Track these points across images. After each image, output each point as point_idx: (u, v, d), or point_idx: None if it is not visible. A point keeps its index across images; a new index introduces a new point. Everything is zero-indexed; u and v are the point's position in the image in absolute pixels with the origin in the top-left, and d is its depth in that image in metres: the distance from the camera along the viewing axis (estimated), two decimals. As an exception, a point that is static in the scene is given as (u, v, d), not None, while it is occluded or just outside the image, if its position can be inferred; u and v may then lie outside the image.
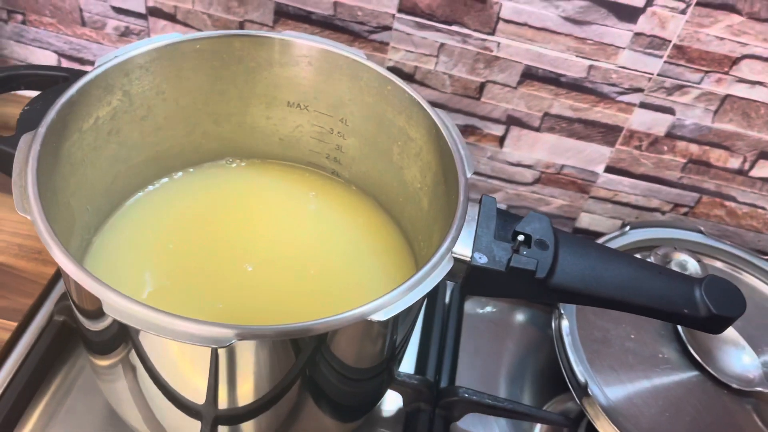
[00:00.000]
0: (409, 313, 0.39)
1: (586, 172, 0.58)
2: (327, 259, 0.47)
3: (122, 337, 0.36)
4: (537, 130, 0.56)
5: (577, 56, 0.50)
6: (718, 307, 0.35)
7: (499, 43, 0.51)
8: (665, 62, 0.49)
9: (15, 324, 0.47)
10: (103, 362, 0.40)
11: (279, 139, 0.50)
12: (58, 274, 0.51)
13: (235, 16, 0.54)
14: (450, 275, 0.35)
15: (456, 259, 0.35)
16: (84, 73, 0.39)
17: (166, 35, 0.41)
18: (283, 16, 0.53)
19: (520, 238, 0.36)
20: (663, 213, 0.59)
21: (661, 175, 0.57)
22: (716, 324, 0.36)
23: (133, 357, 0.36)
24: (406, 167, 0.46)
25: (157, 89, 0.43)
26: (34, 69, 0.39)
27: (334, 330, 0.31)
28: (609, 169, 0.57)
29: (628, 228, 0.55)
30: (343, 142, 0.49)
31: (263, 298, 0.43)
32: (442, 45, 0.52)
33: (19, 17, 0.58)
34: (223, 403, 0.37)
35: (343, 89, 0.46)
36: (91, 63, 0.60)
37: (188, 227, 0.46)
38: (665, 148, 0.55)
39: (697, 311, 0.36)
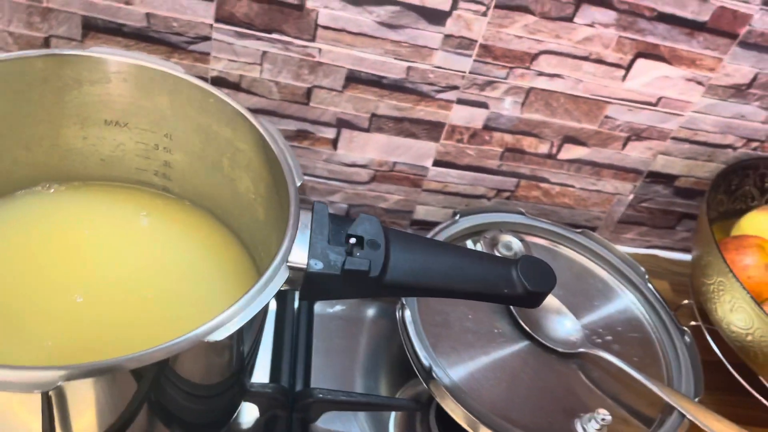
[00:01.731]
0: (251, 326, 0.39)
1: (417, 167, 0.61)
2: (165, 281, 0.45)
3: None
4: (367, 130, 0.58)
5: (395, 59, 0.53)
6: (532, 284, 0.39)
7: (320, 49, 0.52)
8: (474, 61, 0.53)
9: None
10: None
11: (100, 159, 0.48)
12: None
13: (38, 32, 0.50)
14: (289, 283, 0.35)
15: (292, 268, 0.36)
16: None
17: (-46, 58, 0.38)
18: (92, 29, 0.50)
19: (352, 240, 0.37)
20: (489, 199, 0.64)
21: (483, 164, 0.61)
22: (533, 299, 0.40)
23: None
24: (237, 179, 0.46)
25: (-51, 117, 0.39)
26: None
27: (173, 355, 0.31)
28: (437, 163, 0.61)
29: (458, 216, 0.59)
30: (171, 158, 0.48)
31: (97, 329, 0.41)
32: (264, 53, 0.52)
33: None
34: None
35: (164, 104, 0.44)
36: None
37: (7, 261, 0.43)
38: (485, 138, 0.59)
39: (515, 290, 0.39)
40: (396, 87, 0.55)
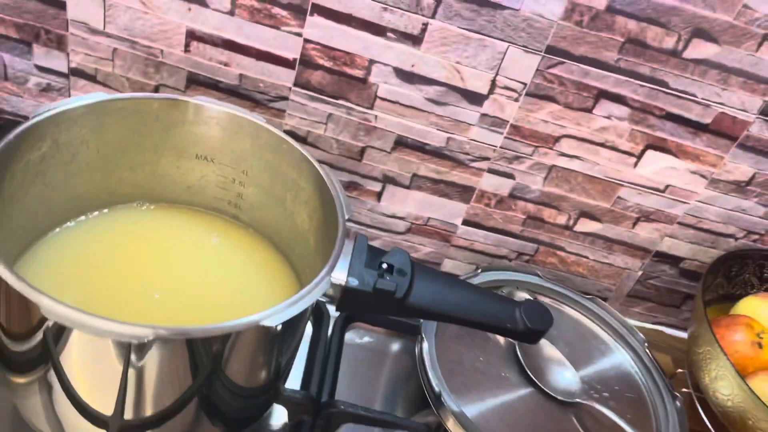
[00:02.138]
0: (295, 331, 0.47)
1: (447, 224, 0.69)
2: (226, 290, 0.54)
3: (43, 356, 0.41)
4: (407, 188, 0.67)
5: (437, 129, 0.63)
6: (532, 322, 0.47)
7: (376, 116, 0.62)
8: (505, 137, 0.63)
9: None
10: (21, 380, 0.45)
11: (187, 186, 0.58)
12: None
13: (150, 81, 0.62)
14: (330, 296, 0.44)
15: (333, 284, 0.44)
16: (20, 123, 0.45)
17: (94, 94, 0.49)
18: (194, 83, 0.62)
19: (384, 266, 0.46)
20: (510, 260, 0.72)
21: (507, 228, 0.69)
22: (532, 335, 0.47)
23: (51, 376, 0.42)
24: (296, 212, 0.55)
25: (81, 139, 0.50)
26: (-26, 116, 0.46)
27: (228, 334, 0.39)
28: (466, 222, 0.69)
29: (479, 270, 0.67)
30: (244, 191, 0.57)
31: (168, 322, 0.50)
32: (330, 115, 0.63)
33: (-58, 68, 0.63)
34: (127, 413, 0.43)
35: (245, 146, 0.55)
36: (9, 114, 0.65)
37: (101, 261, 0.53)
38: (510, 205, 0.67)
39: (517, 326, 0.47)
40: (436, 153, 0.64)
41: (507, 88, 0.59)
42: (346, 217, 0.48)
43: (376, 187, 0.67)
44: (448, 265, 0.73)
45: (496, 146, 0.63)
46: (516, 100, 0.60)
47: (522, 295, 0.65)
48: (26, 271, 0.49)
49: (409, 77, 0.60)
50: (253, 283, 0.56)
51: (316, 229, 0.53)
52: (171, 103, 0.52)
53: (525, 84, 0.59)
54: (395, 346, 0.68)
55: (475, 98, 0.60)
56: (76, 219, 0.54)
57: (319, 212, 0.52)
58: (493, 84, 0.59)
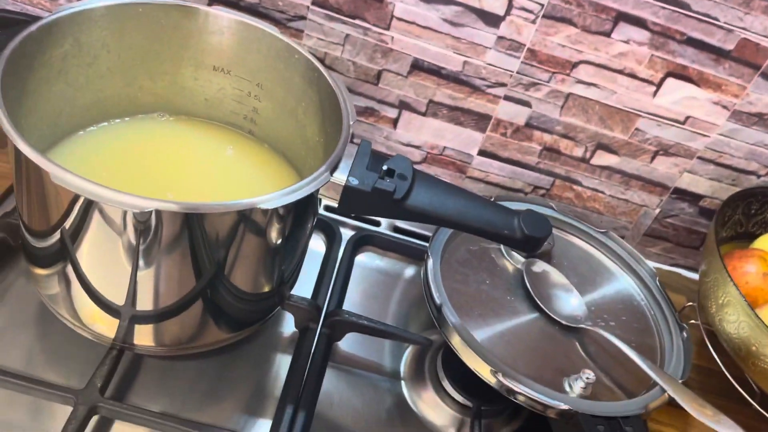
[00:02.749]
0: (297, 231, 0.49)
1: (463, 155, 0.70)
2: (236, 196, 0.56)
3: (62, 253, 0.44)
4: (423, 114, 0.67)
5: (454, 53, 0.63)
6: (530, 230, 0.47)
7: (393, 37, 0.63)
8: (522, 62, 0.62)
9: (-44, 237, 0.54)
10: (43, 272, 0.48)
11: (204, 99, 0.60)
12: (4, 199, 0.58)
13: (174, -3, 0.63)
14: (331, 196, 0.45)
15: (335, 183, 0.45)
16: (40, 18, 0.47)
17: (115, -3, 0.51)
18: (217, 2, 0.63)
19: (385, 168, 0.46)
20: (525, 194, 0.72)
21: (523, 159, 0.69)
22: (530, 243, 0.48)
23: (68, 269, 0.45)
24: (308, 125, 0.56)
25: (102, 42, 0.52)
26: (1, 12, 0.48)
27: (229, 214, 0.41)
28: (481, 153, 0.69)
29: (492, 198, 0.67)
30: (259, 105, 0.59)
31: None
32: (347, 35, 0.63)
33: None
34: (138, 304, 0.46)
35: (259, 57, 0.56)
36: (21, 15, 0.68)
37: (121, 164, 0.55)
38: (523, 136, 0.67)
39: (514, 233, 0.47)
40: (452, 78, 0.64)
41: (524, 9, 0.59)
42: (351, 121, 0.49)
43: (393, 113, 0.68)
44: (463, 197, 0.73)
45: (512, 71, 0.63)
46: (533, 21, 0.60)
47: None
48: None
49: (425, -3, 0.60)
50: (263, 191, 0.57)
51: (326, 140, 0.54)
52: (188, 10, 0.54)
53: (542, 5, 0.59)
54: (408, 272, 0.69)
55: (491, 19, 0.60)
56: (98, 124, 0.57)
57: (329, 121, 0.53)
58: (510, 4, 0.59)
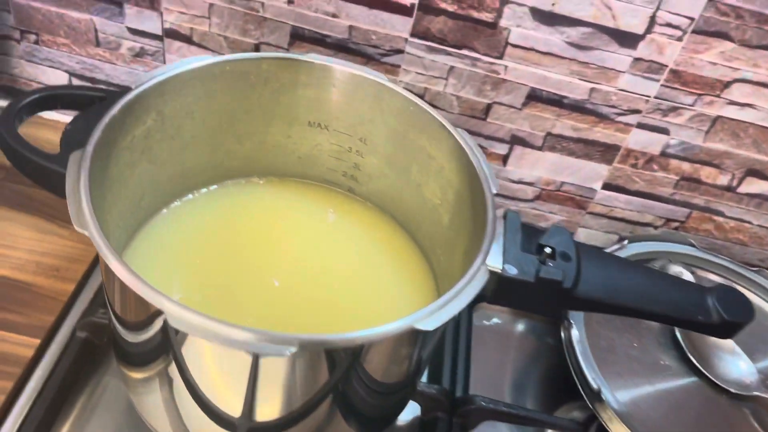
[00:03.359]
0: (445, 327, 0.40)
1: (584, 189, 0.61)
2: (347, 273, 0.48)
3: (163, 348, 0.37)
4: (539, 149, 0.58)
5: (579, 79, 0.53)
6: (729, 314, 0.38)
7: (506, 66, 0.54)
8: (662, 85, 0.53)
9: (37, 341, 0.47)
10: (139, 375, 0.41)
11: (298, 157, 0.52)
12: (78, 290, 0.51)
13: (251, 39, 0.55)
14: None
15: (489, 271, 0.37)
16: (121, 93, 0.40)
17: (199, 57, 0.43)
18: (299, 39, 0.55)
19: (547, 250, 0.38)
20: (655, 228, 0.63)
21: (655, 191, 0.60)
22: (728, 330, 0.39)
23: (172, 369, 0.37)
24: (424, 184, 0.48)
25: (187, 109, 0.44)
26: (72, 89, 0.40)
27: (380, 340, 0.33)
28: (606, 186, 0.60)
29: (626, 242, 0.58)
30: (361, 161, 0.51)
31: (291, 312, 0.44)
32: (451, 68, 0.54)
33: (33, 37, 0.58)
34: (258, 415, 0.38)
35: (364, 110, 0.48)
36: (103, 82, 0.61)
37: (213, 243, 0.48)
38: (657, 166, 0.58)
39: (710, 318, 0.38)
40: (576, 107, 0.55)
41: (669, 24, 0.49)
42: (494, 191, 0.41)
43: (503, 149, 0.59)
44: (581, 235, 0.64)
45: (649, 96, 0.54)
46: (679, 39, 0.50)
47: (678, 270, 0.56)
48: (136, 258, 0.45)
49: (548, 18, 0.50)
50: (378, 264, 0.49)
51: (451, 204, 0.46)
52: (282, 62, 0.46)
53: (692, 19, 0.49)
54: (521, 327, 0.60)
55: (627, 39, 0.51)
56: (182, 198, 0.49)
57: (455, 185, 0.45)
58: (652, 21, 0.49)
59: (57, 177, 0.36)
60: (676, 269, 0.57)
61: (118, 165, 0.41)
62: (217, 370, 0.37)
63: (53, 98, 0.40)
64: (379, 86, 0.46)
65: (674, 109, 0.54)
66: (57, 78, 0.61)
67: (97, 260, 0.53)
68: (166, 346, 0.36)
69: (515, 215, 0.40)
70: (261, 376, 0.36)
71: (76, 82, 0.61)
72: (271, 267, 0.47)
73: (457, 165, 0.44)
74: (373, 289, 0.48)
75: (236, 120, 0.48)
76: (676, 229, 0.62)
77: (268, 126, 0.49)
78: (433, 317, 0.33)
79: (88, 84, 0.61)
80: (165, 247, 0.46)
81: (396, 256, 0.50)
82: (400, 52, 0.54)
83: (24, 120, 0.39)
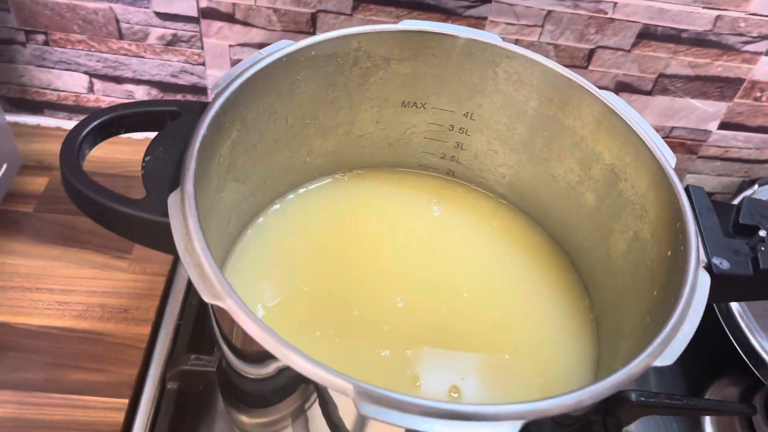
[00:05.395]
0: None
1: (697, 132, 0.53)
2: (473, 276, 0.41)
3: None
4: (648, 93, 0.51)
5: (703, 7, 0.45)
6: None
7: (615, 4, 0.45)
8: (802, 2, 0.45)
9: (126, 401, 0.40)
10: (259, 420, 0.34)
11: (387, 144, 0.44)
12: (154, 332, 0.44)
13: (305, 8, 0.46)
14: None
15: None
16: (199, 105, 0.31)
17: (280, 44, 0.34)
18: (362, 1, 0.46)
19: (762, 233, 0.31)
20: (776, 164, 0.56)
21: (780, 124, 0.53)
22: None
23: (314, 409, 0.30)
24: (554, 159, 0.40)
25: (270, 110, 0.36)
26: (135, 107, 0.32)
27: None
28: (723, 125, 0.53)
29: (756, 186, 0.51)
30: (465, 139, 0.43)
31: (420, 334, 0.37)
32: (549, 12, 0.46)
33: (41, 38, 0.49)
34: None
35: (471, 81, 0.39)
36: (130, 81, 0.51)
37: (310, 259, 0.40)
38: (787, 95, 0.50)
39: None
40: (696, 41, 0.47)
41: (820, -72, 0.41)
42: (672, 164, 0.33)
43: (604, 98, 0.51)
44: (689, 181, 0.57)
45: (786, 17, 0.45)
46: (830, -56, 0.42)
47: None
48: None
49: (670, -61, 0.42)
50: (502, 258, 0.42)
51: (597, 181, 0.38)
52: (373, 36, 0.37)
53: None
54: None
55: (766, -47, 0.42)
56: (267, 210, 0.42)
57: (606, 158, 0.37)
58: (800, -74, 0.41)
59: (148, 226, 0.28)
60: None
61: (208, 194, 0.33)
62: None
63: (113, 122, 0.32)
64: (493, 49, 0.38)
65: (813, 29, 0.46)
66: (75, 82, 0.52)
67: (167, 293, 0.46)
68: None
69: (700, 190, 0.33)
70: None
71: (97, 84, 0.52)
72: (386, 281, 0.40)
73: (603, 135, 0.36)
74: (503, 289, 0.40)
75: (320, 113, 0.39)
76: (798, 162, 0.55)
77: (356, 113, 0.41)
78: (669, 350, 0.26)
79: (113, 84, 0.52)
80: (258, 274, 0.39)
81: (522, 244, 0.43)
82: (487, 1, 0.45)
83: (86, 157, 0.30)
